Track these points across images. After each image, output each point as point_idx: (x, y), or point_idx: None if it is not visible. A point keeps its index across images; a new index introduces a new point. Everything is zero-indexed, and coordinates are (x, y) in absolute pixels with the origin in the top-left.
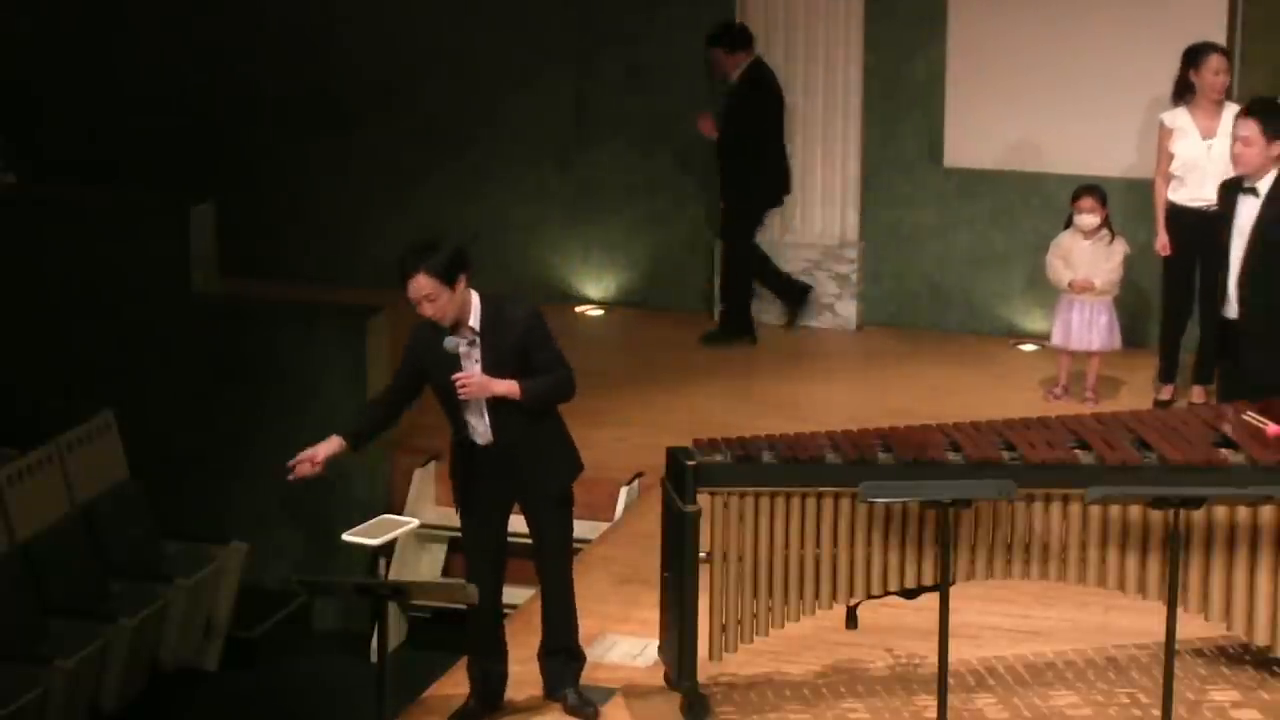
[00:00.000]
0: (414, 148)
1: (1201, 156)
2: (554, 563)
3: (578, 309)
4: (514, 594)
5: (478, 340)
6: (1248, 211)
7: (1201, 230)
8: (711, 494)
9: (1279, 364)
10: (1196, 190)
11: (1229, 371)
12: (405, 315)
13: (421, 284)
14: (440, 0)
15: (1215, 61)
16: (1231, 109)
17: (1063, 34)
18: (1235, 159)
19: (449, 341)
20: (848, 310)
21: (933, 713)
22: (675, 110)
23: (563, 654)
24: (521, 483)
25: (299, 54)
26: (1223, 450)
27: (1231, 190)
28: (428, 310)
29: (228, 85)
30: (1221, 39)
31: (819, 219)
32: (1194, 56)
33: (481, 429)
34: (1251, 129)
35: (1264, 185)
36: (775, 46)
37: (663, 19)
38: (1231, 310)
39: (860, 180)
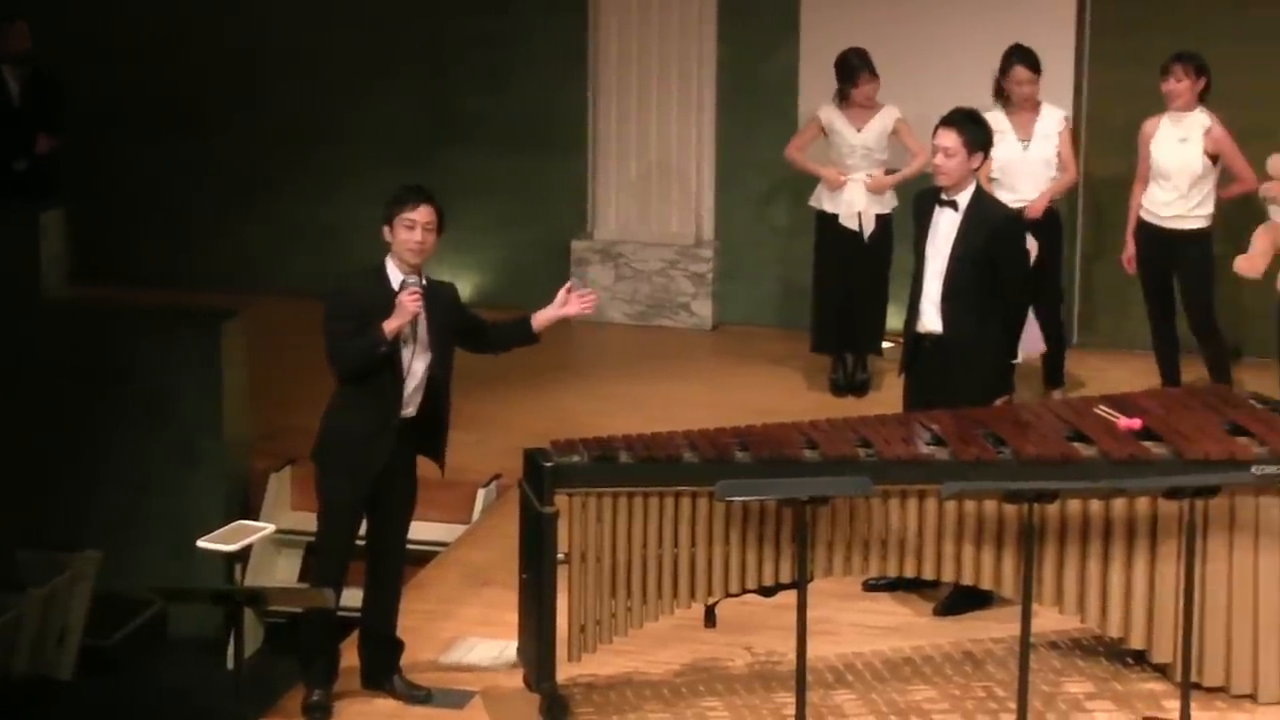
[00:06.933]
0: (270, 150)
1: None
2: (403, 543)
3: None
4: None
5: (423, 292)
6: (947, 225)
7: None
8: (569, 495)
9: (981, 379)
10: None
11: (917, 384)
12: (259, 318)
13: (432, 212)
14: (296, 1)
15: (1019, 72)
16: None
17: (913, 35)
18: (936, 170)
19: (410, 278)
20: (703, 309)
21: (792, 710)
22: (532, 111)
23: (387, 641)
24: (411, 453)
25: (152, 57)
26: (1075, 444)
27: (927, 201)
28: (421, 238)
29: (81, 89)
30: (1070, 39)
31: (674, 218)
32: (1004, 63)
33: (412, 395)
34: (953, 140)
35: (963, 198)
36: (629, 44)
37: (519, 20)
38: (926, 324)
39: (715, 180)
